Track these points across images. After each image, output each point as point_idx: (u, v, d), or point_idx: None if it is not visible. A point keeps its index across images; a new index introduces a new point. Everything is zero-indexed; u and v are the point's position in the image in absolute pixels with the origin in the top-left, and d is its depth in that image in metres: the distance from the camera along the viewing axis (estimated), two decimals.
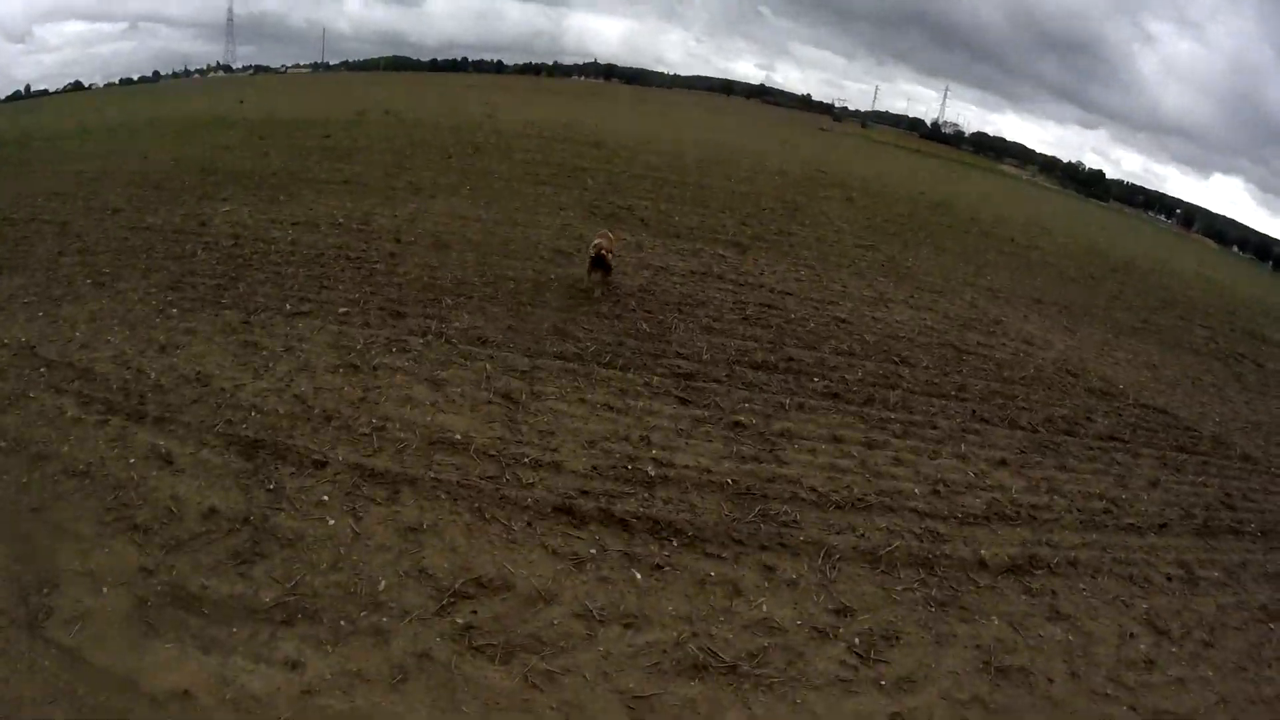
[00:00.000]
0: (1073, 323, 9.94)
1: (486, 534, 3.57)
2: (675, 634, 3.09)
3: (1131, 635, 3.73)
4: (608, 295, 7.06)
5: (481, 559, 3.38)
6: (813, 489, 4.34)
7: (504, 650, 2.89)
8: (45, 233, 8.43)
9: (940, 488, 4.62)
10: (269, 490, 3.69)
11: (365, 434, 4.29)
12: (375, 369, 5.11)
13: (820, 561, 3.71)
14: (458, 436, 4.36)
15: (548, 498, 3.90)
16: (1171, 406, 7.27)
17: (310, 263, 7.32)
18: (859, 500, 4.31)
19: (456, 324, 6.03)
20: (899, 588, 3.64)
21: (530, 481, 4.02)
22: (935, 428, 5.48)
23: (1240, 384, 9.12)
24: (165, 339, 5.39)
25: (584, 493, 3.98)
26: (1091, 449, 5.78)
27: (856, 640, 3.23)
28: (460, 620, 3.01)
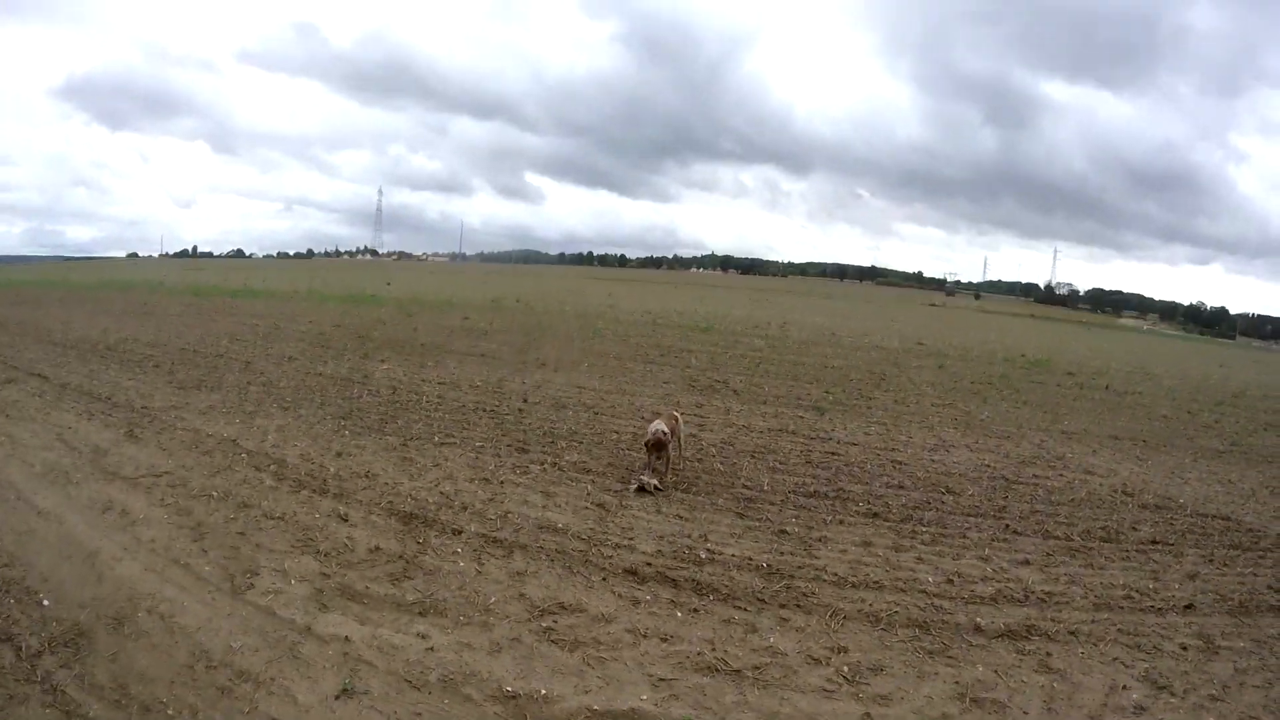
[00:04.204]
0: (1146, 453, 10.07)
1: (572, 581, 4.84)
2: (698, 649, 4.10)
3: (1124, 688, 3.89)
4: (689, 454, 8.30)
5: (566, 594, 4.64)
6: (835, 574, 5.22)
7: (571, 643, 4.06)
8: (232, 366, 11.20)
9: (955, 578, 5.26)
10: (418, 543, 5.24)
11: (491, 519, 5.81)
12: (502, 483, 6.72)
13: (828, 618, 4.58)
14: (560, 525, 5.78)
15: (620, 565, 5.13)
16: (1236, 514, 7.35)
17: (454, 411, 9.36)
18: (874, 583, 5.12)
19: (568, 458, 7.64)
20: (894, 640, 4.38)
21: (609, 555, 5.28)
22: (965, 538, 6.10)
23: None
24: (340, 449, 7.38)
25: (648, 564, 5.16)
26: (1127, 551, 6.04)
27: (845, 668, 4.03)
28: (544, 625, 4.24)
